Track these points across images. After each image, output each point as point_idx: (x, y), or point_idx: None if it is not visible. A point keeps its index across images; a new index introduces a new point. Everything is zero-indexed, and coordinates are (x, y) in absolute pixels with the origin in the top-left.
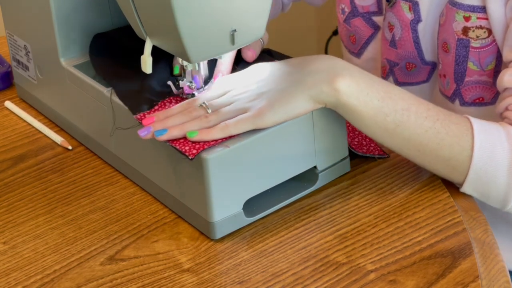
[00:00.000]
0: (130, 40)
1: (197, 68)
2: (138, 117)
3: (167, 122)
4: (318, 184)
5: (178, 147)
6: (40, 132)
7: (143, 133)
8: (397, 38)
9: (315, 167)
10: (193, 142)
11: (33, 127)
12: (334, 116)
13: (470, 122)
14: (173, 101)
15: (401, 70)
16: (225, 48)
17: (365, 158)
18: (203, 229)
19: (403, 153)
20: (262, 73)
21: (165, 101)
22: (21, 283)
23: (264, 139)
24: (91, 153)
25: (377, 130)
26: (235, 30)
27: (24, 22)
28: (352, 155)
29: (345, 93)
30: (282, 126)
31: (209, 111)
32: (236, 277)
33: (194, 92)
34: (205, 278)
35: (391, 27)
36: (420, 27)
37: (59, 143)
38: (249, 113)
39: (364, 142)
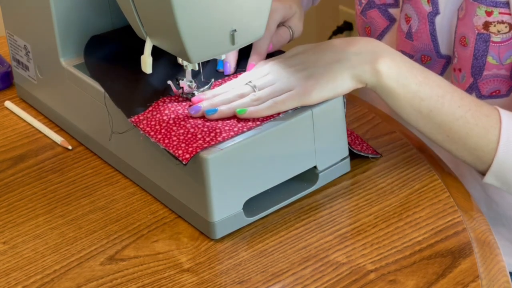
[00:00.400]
0: (125, 42)
1: (196, 68)
2: (133, 120)
3: (216, 100)
4: (318, 184)
5: (171, 150)
6: (40, 132)
7: (193, 111)
8: (413, 30)
9: (315, 167)
10: (187, 145)
11: (33, 127)
12: (334, 116)
13: (500, 116)
14: (167, 100)
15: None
16: (225, 48)
17: (365, 158)
18: (203, 229)
19: (433, 137)
20: (305, 52)
21: (159, 102)
22: (21, 283)
23: (264, 139)
24: (91, 153)
25: (411, 112)
26: (235, 30)
27: (24, 22)
28: (352, 155)
29: (386, 75)
30: (282, 126)
31: (256, 90)
32: (236, 277)
33: (194, 92)
34: (205, 278)
35: (408, 19)
36: (438, 19)
37: (59, 143)
38: (296, 90)
39: (357, 141)
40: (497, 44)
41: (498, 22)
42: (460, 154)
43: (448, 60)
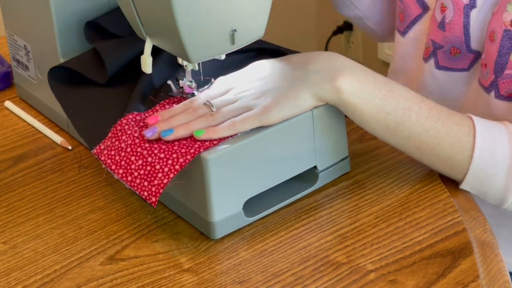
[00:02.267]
0: (94, 64)
1: (196, 68)
2: (94, 151)
3: (173, 122)
4: (318, 184)
5: (137, 191)
6: (40, 132)
7: (149, 133)
8: (447, 21)
9: (315, 167)
10: (149, 183)
11: (33, 127)
12: (334, 116)
13: (473, 123)
14: (124, 122)
15: (445, 54)
16: (225, 48)
17: (365, 158)
18: (203, 229)
19: (403, 149)
20: (264, 70)
21: (116, 126)
22: (21, 283)
23: (264, 139)
24: (91, 153)
25: (378, 128)
26: (235, 30)
27: (24, 22)
28: (352, 156)
29: (347, 92)
30: (282, 126)
31: (214, 109)
32: (236, 277)
33: (194, 92)
34: (205, 278)
35: (443, 9)
36: (473, 13)
37: (59, 143)
38: (255, 110)
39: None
40: None
41: None
42: (433, 165)
43: (477, 55)
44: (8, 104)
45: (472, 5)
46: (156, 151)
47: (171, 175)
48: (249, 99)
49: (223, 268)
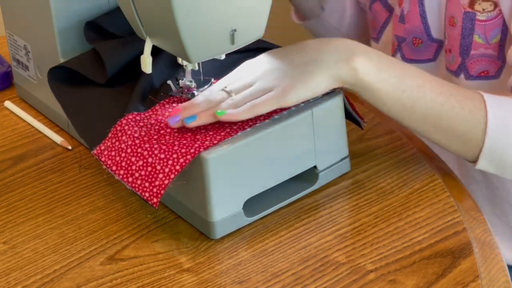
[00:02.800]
0: (93, 64)
1: (196, 68)
2: (95, 152)
3: (195, 109)
4: (318, 184)
5: (138, 192)
6: (40, 132)
7: (172, 121)
8: (405, 13)
9: (315, 167)
10: (150, 184)
11: (33, 127)
12: (334, 116)
13: (482, 96)
14: (124, 122)
15: (408, 46)
16: (225, 48)
17: (364, 156)
18: (203, 229)
19: (420, 128)
20: (280, 55)
21: (116, 126)
22: (21, 283)
23: (264, 139)
24: (91, 153)
25: (394, 106)
26: (235, 30)
27: (24, 22)
28: (352, 156)
29: (363, 71)
30: (282, 126)
31: (233, 94)
32: (236, 277)
33: (194, 92)
34: (205, 278)
35: (400, 2)
36: (427, 1)
37: (59, 143)
38: (274, 92)
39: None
40: (483, 23)
41: (483, 0)
42: (448, 142)
43: (440, 44)
44: (8, 104)
45: None
46: (156, 152)
47: (172, 176)
48: (266, 81)
49: (223, 268)
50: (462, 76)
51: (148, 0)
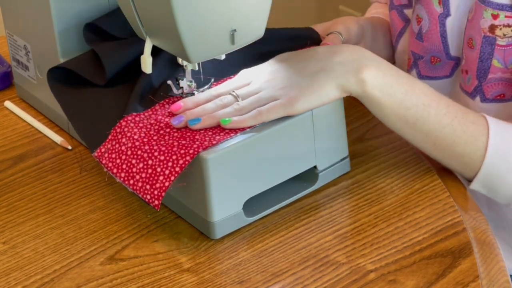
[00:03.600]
0: (91, 64)
1: (196, 68)
2: (96, 155)
3: (200, 111)
4: (318, 184)
5: (140, 195)
6: (40, 132)
7: (175, 121)
8: (424, 31)
9: (315, 167)
10: (151, 186)
11: (33, 127)
12: (334, 116)
13: (487, 123)
14: (123, 124)
15: (425, 64)
16: (225, 48)
17: (365, 158)
18: (203, 229)
19: (419, 145)
20: (289, 61)
21: (116, 128)
22: (21, 283)
23: (264, 139)
24: (91, 153)
25: (397, 122)
26: (235, 30)
27: (24, 22)
28: (352, 156)
29: (371, 84)
30: (282, 126)
31: (240, 99)
32: (236, 277)
33: (194, 92)
34: (205, 278)
35: (419, 20)
36: (449, 21)
37: (59, 143)
38: (281, 100)
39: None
40: (503, 48)
41: (504, 26)
42: (447, 162)
43: (458, 62)
44: (8, 104)
45: (446, 14)
46: (156, 154)
47: (172, 178)
48: (274, 89)
49: (223, 268)
50: (477, 98)
51: (148, 0)
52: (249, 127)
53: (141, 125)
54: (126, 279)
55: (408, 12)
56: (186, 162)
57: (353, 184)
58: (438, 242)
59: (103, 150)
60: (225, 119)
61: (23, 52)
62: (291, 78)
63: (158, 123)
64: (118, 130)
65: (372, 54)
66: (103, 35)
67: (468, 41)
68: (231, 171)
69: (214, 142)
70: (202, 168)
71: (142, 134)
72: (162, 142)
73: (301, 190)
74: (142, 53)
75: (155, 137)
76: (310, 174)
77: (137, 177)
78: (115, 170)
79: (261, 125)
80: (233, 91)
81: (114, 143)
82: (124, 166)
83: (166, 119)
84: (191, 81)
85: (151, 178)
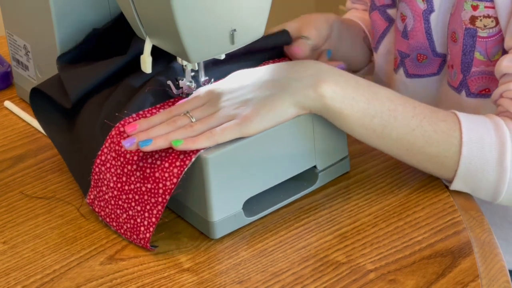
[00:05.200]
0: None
1: (196, 68)
2: (88, 201)
3: (152, 132)
4: (318, 184)
5: (132, 241)
6: (39, 131)
7: (127, 144)
8: (409, 29)
9: (315, 166)
10: (137, 236)
11: (33, 126)
12: None
13: (458, 118)
14: (98, 162)
15: (412, 62)
16: (225, 48)
17: (365, 158)
18: (203, 228)
19: (392, 153)
20: (245, 79)
21: (93, 173)
22: (20, 283)
23: (263, 139)
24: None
25: (364, 132)
26: (235, 30)
27: (24, 22)
28: (352, 156)
29: (330, 98)
30: (282, 126)
31: (193, 119)
32: (236, 276)
33: (194, 92)
34: (205, 277)
35: (403, 18)
36: (433, 17)
37: None
38: (235, 120)
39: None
40: (484, 40)
41: (484, 17)
42: (423, 165)
43: (444, 58)
44: (8, 104)
45: (430, 10)
46: (133, 204)
47: (151, 229)
48: (229, 109)
49: (223, 268)
50: (463, 93)
51: (148, 0)
52: (203, 149)
53: (108, 165)
54: (126, 279)
55: (391, 12)
56: (160, 212)
57: (353, 184)
58: (438, 242)
59: (92, 197)
60: (177, 140)
61: (23, 52)
62: (247, 96)
63: (121, 157)
64: (96, 177)
65: (329, 67)
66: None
67: (451, 35)
68: (231, 171)
69: (175, 180)
70: (202, 168)
71: (115, 178)
72: (132, 187)
73: (301, 190)
74: (109, 76)
75: (123, 178)
76: (310, 174)
77: (125, 227)
78: (108, 219)
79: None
80: (187, 112)
81: (98, 190)
82: (113, 216)
83: (123, 149)
84: (191, 81)
85: (135, 229)
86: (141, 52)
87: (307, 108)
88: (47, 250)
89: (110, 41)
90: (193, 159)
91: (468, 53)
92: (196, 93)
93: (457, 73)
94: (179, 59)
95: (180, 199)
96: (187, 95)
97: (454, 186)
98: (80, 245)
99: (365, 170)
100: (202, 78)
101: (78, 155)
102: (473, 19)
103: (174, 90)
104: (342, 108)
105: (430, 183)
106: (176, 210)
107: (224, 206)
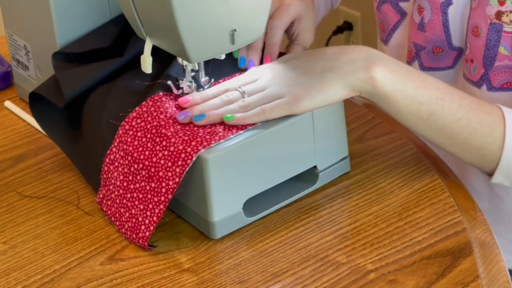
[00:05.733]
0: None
1: (196, 68)
2: (98, 201)
3: (205, 107)
4: (318, 184)
5: (131, 239)
6: (39, 132)
7: (181, 116)
8: (426, 21)
9: (315, 167)
10: (136, 235)
11: (33, 127)
12: (334, 116)
13: (502, 112)
14: (108, 164)
15: (428, 54)
16: (225, 48)
17: (365, 158)
18: (203, 229)
19: (435, 140)
20: (297, 60)
21: (102, 173)
22: (21, 283)
23: (264, 139)
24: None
25: (411, 118)
26: (235, 30)
27: (24, 22)
28: (352, 156)
29: (381, 81)
30: (282, 126)
31: (246, 96)
32: (236, 277)
33: (194, 92)
34: (205, 278)
35: (420, 10)
36: (451, 10)
37: None
38: (286, 98)
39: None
40: (509, 34)
41: (511, 12)
42: (465, 155)
43: (460, 52)
44: (8, 104)
45: (448, 3)
46: (136, 202)
47: (151, 228)
48: (280, 87)
49: (223, 268)
50: (484, 87)
51: (148, 0)
52: (252, 125)
53: (116, 164)
54: (126, 279)
55: (404, 5)
56: (161, 211)
57: (353, 184)
58: (438, 242)
59: (101, 196)
60: (228, 116)
61: (23, 52)
62: (298, 77)
63: (129, 156)
64: (105, 176)
65: (380, 53)
66: (75, 59)
67: (473, 30)
68: (231, 171)
69: (177, 179)
70: (202, 168)
71: (121, 177)
72: (137, 186)
73: (301, 190)
74: (105, 77)
75: (130, 177)
76: (310, 174)
77: (126, 226)
78: (113, 219)
79: (262, 124)
80: (240, 87)
81: (106, 189)
82: (117, 215)
83: (131, 148)
84: (191, 81)
85: (136, 228)
86: (138, 54)
87: (357, 91)
88: (47, 250)
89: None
90: (194, 158)
91: (491, 47)
92: (249, 71)
93: (477, 67)
94: (179, 59)
95: (180, 199)
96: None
97: (495, 179)
98: (80, 245)
99: (365, 170)
100: (202, 78)
101: (86, 156)
102: (499, 14)
103: (175, 90)
104: (391, 92)
105: (430, 183)
106: (176, 210)
107: (224, 206)
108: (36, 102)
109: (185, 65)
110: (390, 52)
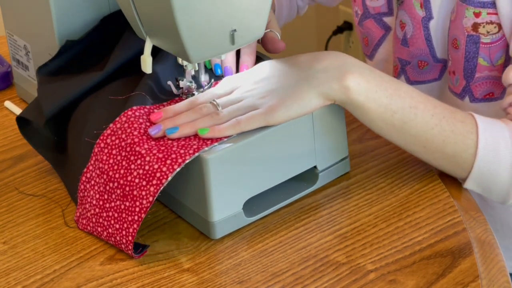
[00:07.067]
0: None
1: (196, 68)
2: (75, 219)
3: (178, 120)
4: (318, 184)
5: (120, 247)
6: None
7: (153, 131)
8: (408, 36)
9: (315, 167)
10: (127, 249)
11: None
12: (334, 116)
13: (475, 120)
14: (84, 181)
15: (413, 69)
16: (225, 48)
17: (364, 158)
18: (203, 229)
19: (409, 149)
20: (270, 70)
21: (79, 192)
22: (21, 283)
23: (264, 139)
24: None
25: (384, 126)
26: (235, 30)
27: (24, 22)
28: (352, 156)
29: (354, 91)
30: (282, 126)
31: (220, 108)
32: (236, 277)
33: (194, 92)
34: (205, 278)
35: (402, 25)
36: (432, 24)
37: None
38: (261, 109)
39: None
40: (487, 45)
41: (487, 23)
42: (438, 163)
43: (445, 64)
44: (8, 104)
45: (429, 17)
46: (112, 222)
47: (130, 247)
48: (254, 98)
49: (223, 268)
50: (467, 99)
51: (148, 0)
52: (227, 137)
53: (92, 182)
54: (126, 279)
55: (388, 20)
56: (135, 230)
57: (353, 184)
58: (438, 242)
59: (78, 214)
60: (203, 129)
61: (23, 52)
62: (273, 87)
63: (104, 174)
64: (81, 194)
65: (355, 60)
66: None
67: (452, 42)
68: (231, 171)
69: (151, 198)
70: (202, 168)
71: (97, 196)
72: (112, 205)
73: (301, 190)
74: (85, 91)
75: (105, 196)
76: (310, 174)
77: (110, 242)
78: (95, 234)
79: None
80: (214, 100)
81: (82, 207)
82: (95, 234)
83: (106, 167)
84: (191, 82)
85: (117, 246)
86: (119, 67)
87: (332, 99)
88: (47, 250)
89: (88, 54)
90: (169, 178)
91: (471, 59)
92: (222, 82)
93: (459, 79)
94: (179, 59)
95: (180, 199)
96: (187, 95)
97: (467, 185)
98: (80, 245)
99: (365, 170)
100: (202, 78)
101: (71, 174)
102: (475, 26)
103: (174, 90)
104: (365, 101)
105: (430, 183)
106: (176, 210)
107: (224, 206)
108: (24, 126)
109: (185, 65)
110: (375, 67)
